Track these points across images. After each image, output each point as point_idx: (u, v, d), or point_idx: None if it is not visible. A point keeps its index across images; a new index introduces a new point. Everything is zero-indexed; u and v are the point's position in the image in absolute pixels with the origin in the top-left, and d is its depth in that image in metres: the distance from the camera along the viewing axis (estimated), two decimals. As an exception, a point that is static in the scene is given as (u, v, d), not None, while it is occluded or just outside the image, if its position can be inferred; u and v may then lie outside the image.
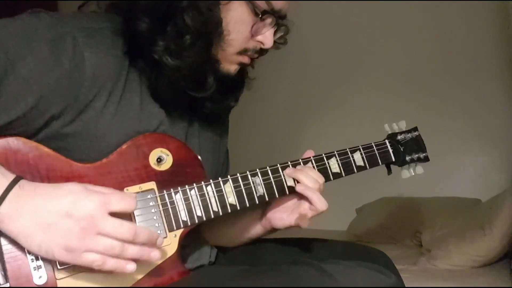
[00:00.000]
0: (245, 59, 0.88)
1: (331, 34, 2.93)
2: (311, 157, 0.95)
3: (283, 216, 0.93)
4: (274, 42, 0.88)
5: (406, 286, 0.97)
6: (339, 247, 1.06)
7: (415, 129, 1.11)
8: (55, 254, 0.66)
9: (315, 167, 0.94)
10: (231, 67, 0.87)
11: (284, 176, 0.91)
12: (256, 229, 0.99)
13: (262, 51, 0.89)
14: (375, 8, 2.80)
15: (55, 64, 0.72)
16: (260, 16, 0.83)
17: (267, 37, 0.86)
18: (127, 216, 0.77)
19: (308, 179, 0.90)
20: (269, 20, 0.85)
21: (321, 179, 0.92)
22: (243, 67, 0.91)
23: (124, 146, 0.79)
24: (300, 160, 0.94)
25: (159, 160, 0.81)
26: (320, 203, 0.88)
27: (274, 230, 0.97)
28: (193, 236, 0.92)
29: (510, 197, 1.91)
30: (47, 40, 0.71)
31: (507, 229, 1.83)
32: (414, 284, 1.64)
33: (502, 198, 1.97)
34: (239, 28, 0.83)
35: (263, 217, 0.97)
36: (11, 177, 0.67)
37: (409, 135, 1.09)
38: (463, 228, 2.00)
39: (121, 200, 0.69)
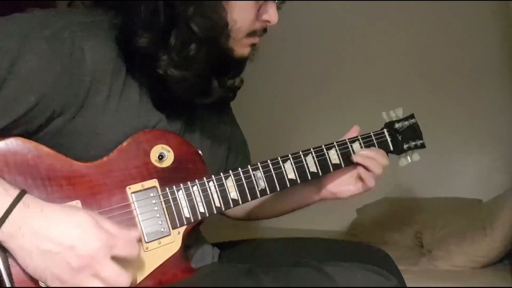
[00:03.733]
0: (256, 40, 0.89)
1: (333, 31, 2.92)
2: (311, 149, 0.96)
3: (350, 188, 1.03)
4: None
5: (407, 286, 0.97)
6: (340, 247, 1.06)
7: (412, 116, 1.12)
8: (47, 281, 0.65)
9: (315, 158, 0.96)
10: (244, 50, 0.88)
11: (284, 169, 0.92)
12: (310, 202, 1.08)
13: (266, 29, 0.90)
14: (377, 6, 2.79)
15: (55, 61, 0.71)
16: None
17: (272, 14, 0.86)
18: (130, 215, 0.77)
19: (371, 154, 1.00)
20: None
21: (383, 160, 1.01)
22: None
23: (124, 144, 0.78)
24: (301, 152, 0.95)
25: (161, 157, 0.80)
26: (377, 168, 0.99)
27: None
28: (195, 237, 0.91)
29: (511, 198, 1.91)
30: (45, 37, 0.70)
31: (508, 230, 1.82)
32: (415, 285, 1.64)
33: (504, 198, 1.97)
34: (244, 15, 0.83)
35: (320, 192, 1.05)
36: (14, 193, 0.65)
37: (406, 122, 1.10)
38: (464, 229, 2.00)
39: (126, 247, 0.68)
